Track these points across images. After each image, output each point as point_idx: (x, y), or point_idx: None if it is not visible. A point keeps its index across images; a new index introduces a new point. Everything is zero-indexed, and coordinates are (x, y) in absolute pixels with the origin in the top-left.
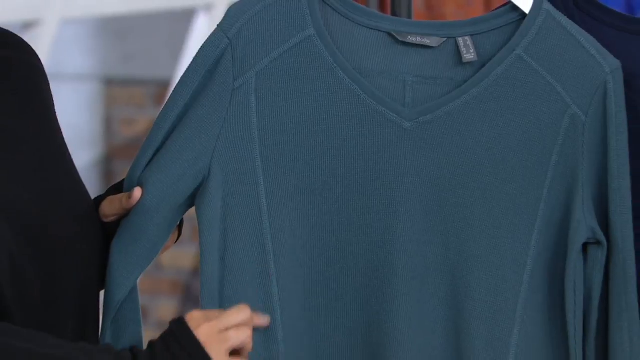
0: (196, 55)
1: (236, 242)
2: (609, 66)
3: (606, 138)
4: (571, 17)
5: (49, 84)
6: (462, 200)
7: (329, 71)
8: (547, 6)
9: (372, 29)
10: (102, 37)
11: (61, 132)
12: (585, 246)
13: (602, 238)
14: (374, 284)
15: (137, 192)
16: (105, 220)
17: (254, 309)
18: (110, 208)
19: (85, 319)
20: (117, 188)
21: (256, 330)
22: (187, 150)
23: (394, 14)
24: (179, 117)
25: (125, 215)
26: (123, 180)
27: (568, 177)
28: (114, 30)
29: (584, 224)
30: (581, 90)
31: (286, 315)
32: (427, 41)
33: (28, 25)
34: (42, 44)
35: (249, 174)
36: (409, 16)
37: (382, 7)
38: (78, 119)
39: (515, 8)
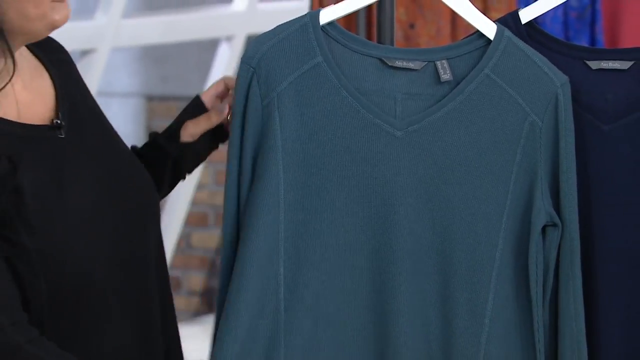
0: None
1: (255, 228)
2: (559, 81)
3: (557, 140)
4: None
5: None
6: (445, 193)
7: (334, 91)
8: (508, 33)
9: (366, 55)
10: (144, 62)
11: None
12: (544, 228)
13: (558, 221)
14: (378, 264)
15: (227, 108)
16: (191, 139)
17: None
18: (196, 127)
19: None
20: (155, 135)
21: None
22: (245, 160)
23: (379, 43)
24: (239, 138)
25: (210, 129)
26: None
27: (529, 173)
28: (154, 56)
29: (543, 210)
30: (537, 101)
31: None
32: (411, 65)
33: (85, 52)
34: (96, 68)
35: (273, 176)
36: (392, 45)
37: (368, 37)
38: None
39: (482, 36)
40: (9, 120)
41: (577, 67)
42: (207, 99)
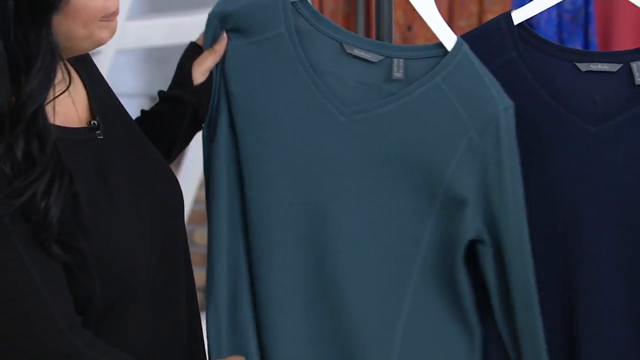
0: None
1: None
2: (503, 104)
3: (499, 161)
4: (515, 46)
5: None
6: (375, 185)
7: (290, 63)
8: (466, 48)
9: (329, 37)
10: (149, 63)
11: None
12: (476, 243)
13: (487, 238)
14: (311, 230)
15: (224, 35)
16: (203, 78)
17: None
18: (204, 64)
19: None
20: (164, 92)
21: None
22: None
23: (379, 40)
24: None
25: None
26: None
27: (461, 185)
28: (157, 58)
29: (472, 225)
30: (480, 119)
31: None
32: (369, 56)
33: (91, 54)
34: (101, 69)
35: (228, 121)
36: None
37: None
38: None
39: (442, 45)
40: (57, 125)
41: (567, 69)
42: (202, 43)
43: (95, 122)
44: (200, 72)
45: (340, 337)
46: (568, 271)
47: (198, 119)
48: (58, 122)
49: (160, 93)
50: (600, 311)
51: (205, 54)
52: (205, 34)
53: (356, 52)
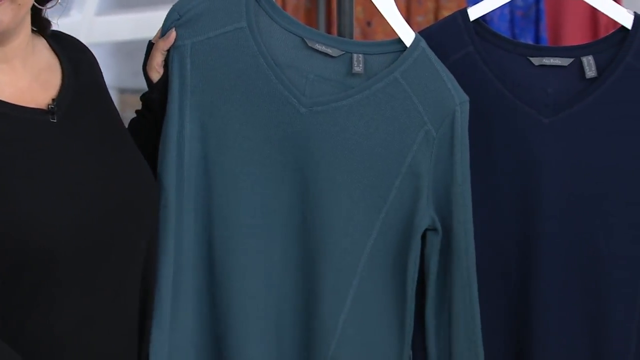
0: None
1: (164, 164)
2: (459, 99)
3: (452, 153)
4: (472, 41)
5: (102, 72)
6: (331, 176)
7: (251, 57)
8: (423, 45)
9: (290, 32)
10: (117, 57)
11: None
12: (425, 232)
13: (439, 226)
14: (259, 221)
15: (173, 33)
16: (158, 75)
17: None
18: (153, 60)
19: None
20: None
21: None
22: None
23: (340, 36)
24: None
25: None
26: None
27: (417, 177)
28: (126, 51)
29: (427, 214)
30: (436, 113)
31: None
32: (329, 51)
33: None
34: None
35: (181, 117)
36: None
37: (328, 28)
38: None
39: (401, 41)
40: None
41: (521, 63)
42: (156, 39)
43: (53, 107)
44: (152, 69)
45: (291, 326)
46: (523, 258)
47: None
48: (3, 98)
49: (140, 97)
50: (552, 293)
51: (152, 50)
52: (163, 26)
53: (317, 46)
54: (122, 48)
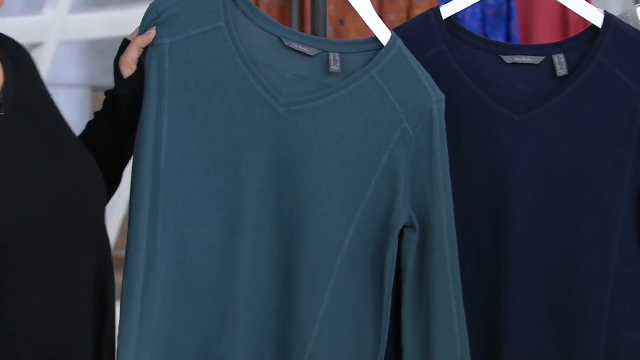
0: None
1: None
2: (436, 97)
3: (431, 151)
4: (444, 39)
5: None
6: (309, 175)
7: (229, 57)
8: (400, 43)
9: (267, 32)
10: (90, 55)
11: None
12: (402, 230)
13: (416, 223)
14: (230, 223)
15: (153, 31)
16: (131, 71)
17: None
18: (128, 56)
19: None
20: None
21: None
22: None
23: (314, 34)
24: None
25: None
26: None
27: (394, 175)
28: (98, 49)
29: (404, 211)
30: (413, 111)
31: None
32: (306, 50)
33: (34, 45)
34: (44, 60)
35: (159, 116)
36: (324, 35)
37: (301, 27)
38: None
39: (377, 40)
40: None
41: (493, 61)
42: (132, 38)
43: (1, 101)
44: (125, 65)
45: (269, 324)
46: (495, 255)
47: (136, 111)
48: None
49: (105, 93)
50: (523, 291)
51: (128, 46)
52: (142, 25)
53: (294, 45)
54: (95, 46)
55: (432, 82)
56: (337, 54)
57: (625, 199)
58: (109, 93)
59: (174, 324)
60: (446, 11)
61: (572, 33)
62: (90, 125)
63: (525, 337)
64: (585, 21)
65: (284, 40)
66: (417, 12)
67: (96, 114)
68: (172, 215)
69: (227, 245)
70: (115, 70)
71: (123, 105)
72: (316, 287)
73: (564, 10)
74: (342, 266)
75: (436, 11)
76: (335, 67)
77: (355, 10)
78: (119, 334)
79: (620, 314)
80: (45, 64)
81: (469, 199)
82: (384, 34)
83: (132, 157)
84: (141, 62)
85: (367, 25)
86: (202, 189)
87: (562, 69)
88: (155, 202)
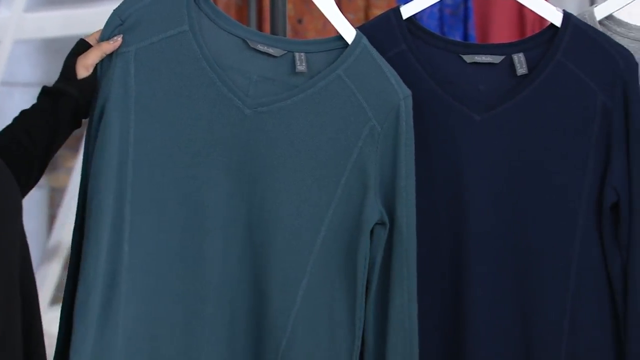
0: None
1: (99, 178)
2: (403, 94)
3: (398, 147)
4: (404, 39)
5: None
6: (279, 175)
7: (195, 60)
8: (365, 41)
9: (232, 34)
10: (45, 53)
11: None
12: (373, 226)
13: (387, 220)
14: (195, 224)
15: (120, 38)
16: (87, 73)
17: None
18: (88, 59)
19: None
20: (47, 87)
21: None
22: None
23: (273, 33)
24: None
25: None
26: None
27: (364, 172)
28: (54, 48)
29: (375, 208)
30: (380, 108)
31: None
32: (271, 51)
33: None
34: (1, 59)
35: (124, 121)
36: (284, 34)
37: (260, 26)
38: None
39: (342, 38)
40: None
41: (453, 60)
42: (91, 40)
43: None
44: (83, 67)
45: (242, 325)
46: (456, 255)
47: (80, 113)
48: None
49: (44, 88)
50: (485, 290)
51: (91, 49)
52: (104, 30)
53: (260, 47)
54: (51, 45)
55: (399, 78)
56: (302, 54)
57: (586, 197)
58: (50, 90)
59: (144, 330)
60: (406, 11)
61: (529, 32)
62: (19, 120)
63: (487, 336)
64: (541, 20)
65: (249, 42)
66: (375, 11)
67: (28, 110)
68: (141, 221)
69: (198, 248)
70: (68, 69)
71: (67, 105)
72: (288, 287)
73: (521, 9)
74: (315, 265)
75: (396, 11)
76: (301, 67)
77: (313, 9)
78: (72, 343)
79: (581, 313)
80: (0, 63)
81: (432, 198)
82: (348, 33)
83: (90, 167)
84: (96, 67)
85: (324, 24)
86: (172, 194)
87: (521, 68)
88: (120, 209)
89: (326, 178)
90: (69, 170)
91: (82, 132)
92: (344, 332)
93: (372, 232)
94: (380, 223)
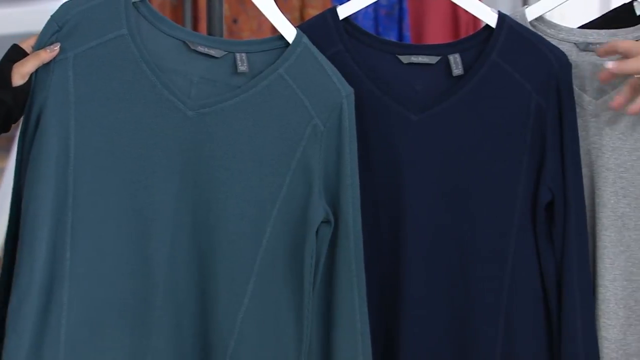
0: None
1: (41, 179)
2: (345, 91)
3: (341, 145)
4: (341, 39)
5: None
6: (223, 176)
7: (134, 64)
8: (306, 40)
9: (171, 36)
10: None
11: None
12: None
13: (332, 218)
14: (142, 229)
15: (58, 46)
16: (22, 81)
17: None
18: (25, 67)
19: None
20: None
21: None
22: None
23: (210, 34)
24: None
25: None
26: None
27: (308, 171)
28: None
29: (320, 207)
30: (323, 107)
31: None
32: (212, 52)
33: None
34: None
35: (63, 129)
36: (221, 34)
37: (195, 26)
38: None
39: (282, 38)
40: None
41: (389, 60)
42: (26, 46)
43: None
44: (19, 75)
45: (190, 328)
46: (394, 254)
47: (10, 120)
48: None
49: None
50: (420, 289)
51: (28, 57)
52: (41, 36)
53: (200, 48)
54: None
55: (340, 77)
56: (243, 54)
57: (521, 196)
58: None
59: (88, 337)
60: (343, 11)
61: (463, 33)
62: None
63: (421, 335)
64: (475, 21)
65: (189, 43)
66: (311, 11)
67: None
68: (83, 228)
69: (143, 253)
70: (3, 76)
71: (0, 110)
72: (235, 287)
73: (455, 10)
74: (261, 265)
75: (333, 11)
76: (242, 67)
77: (248, 9)
78: (4, 352)
79: (516, 312)
80: None
81: (373, 198)
82: (289, 32)
83: (24, 176)
84: (31, 75)
85: (260, 24)
86: (115, 199)
87: (457, 69)
88: (62, 216)
89: (270, 178)
90: (1, 171)
91: (13, 133)
92: (292, 332)
93: (317, 230)
94: (325, 221)
